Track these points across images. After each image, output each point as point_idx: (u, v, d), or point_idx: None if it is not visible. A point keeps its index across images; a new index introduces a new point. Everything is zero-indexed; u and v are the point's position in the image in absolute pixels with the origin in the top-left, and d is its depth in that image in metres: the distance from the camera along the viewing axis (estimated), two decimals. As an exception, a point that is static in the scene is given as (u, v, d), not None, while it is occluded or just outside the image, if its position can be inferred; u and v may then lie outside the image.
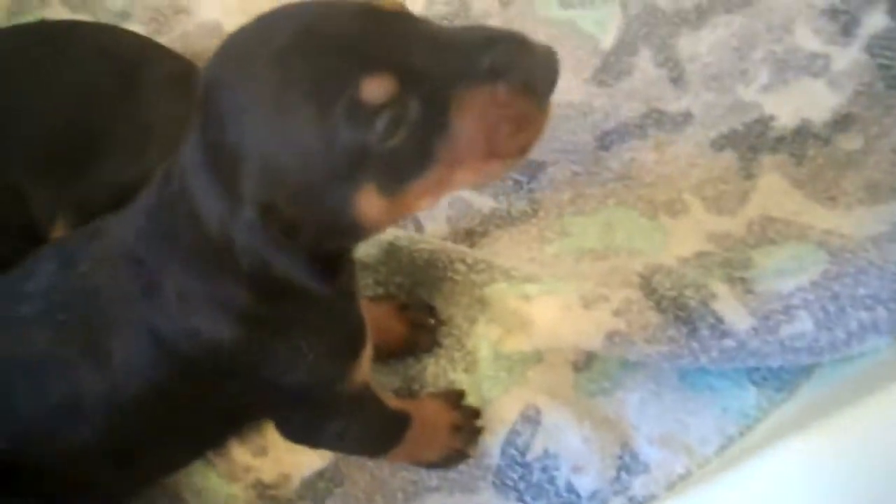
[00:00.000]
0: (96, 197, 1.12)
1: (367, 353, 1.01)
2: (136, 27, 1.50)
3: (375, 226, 0.81)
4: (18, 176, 1.18)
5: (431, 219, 1.36)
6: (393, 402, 1.15)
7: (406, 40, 0.74)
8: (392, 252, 1.30)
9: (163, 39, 1.46)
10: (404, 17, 0.77)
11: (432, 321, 1.28)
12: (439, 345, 1.28)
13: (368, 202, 0.77)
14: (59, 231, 1.18)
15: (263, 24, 0.78)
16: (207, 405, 1.00)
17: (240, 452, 1.24)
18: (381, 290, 1.32)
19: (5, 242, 1.19)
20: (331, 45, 0.73)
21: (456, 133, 0.76)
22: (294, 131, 0.73)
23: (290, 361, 0.92)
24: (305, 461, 1.22)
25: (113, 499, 1.13)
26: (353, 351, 0.99)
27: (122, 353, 0.91)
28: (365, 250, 1.32)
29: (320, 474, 1.22)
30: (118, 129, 1.15)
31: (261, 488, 1.22)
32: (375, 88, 0.72)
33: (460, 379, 1.25)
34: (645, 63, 1.45)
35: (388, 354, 1.28)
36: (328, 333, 0.94)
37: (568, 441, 1.17)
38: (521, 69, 0.76)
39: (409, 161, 0.76)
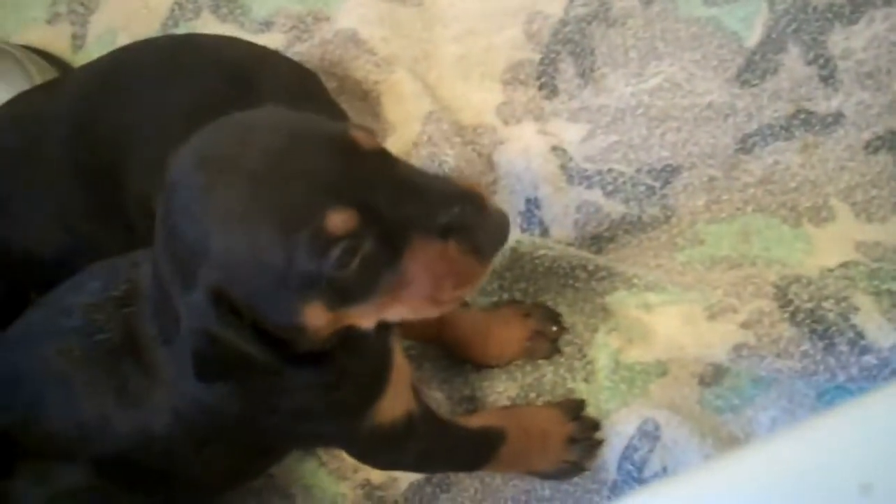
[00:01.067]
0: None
1: (392, 392, 0.99)
2: (277, 35, 1.54)
3: (317, 332, 0.83)
4: (145, 185, 1.23)
5: (557, 222, 1.32)
6: (481, 419, 1.13)
7: (374, 180, 0.79)
8: (515, 258, 1.28)
9: (302, 47, 1.49)
10: (378, 156, 0.81)
11: (554, 328, 1.25)
12: (560, 353, 1.24)
13: (313, 313, 0.80)
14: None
15: (241, 130, 0.82)
16: (235, 446, 1.02)
17: (351, 453, 1.24)
18: (505, 296, 1.29)
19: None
20: (303, 172, 0.77)
21: (403, 274, 0.81)
22: (256, 244, 0.77)
23: (292, 420, 0.94)
24: (415, 465, 1.21)
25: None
26: (367, 402, 0.98)
27: (148, 392, 0.95)
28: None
29: (428, 479, 1.21)
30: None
31: (369, 489, 1.22)
32: (338, 222, 0.76)
33: (579, 389, 1.21)
34: (793, 61, 1.36)
35: (508, 360, 1.26)
36: (323, 402, 0.94)
37: (688, 458, 1.12)
38: (473, 232, 0.80)
39: (356, 289, 0.80)
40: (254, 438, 1.00)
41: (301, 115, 0.84)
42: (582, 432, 1.17)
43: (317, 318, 0.81)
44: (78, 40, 1.61)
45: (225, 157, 0.80)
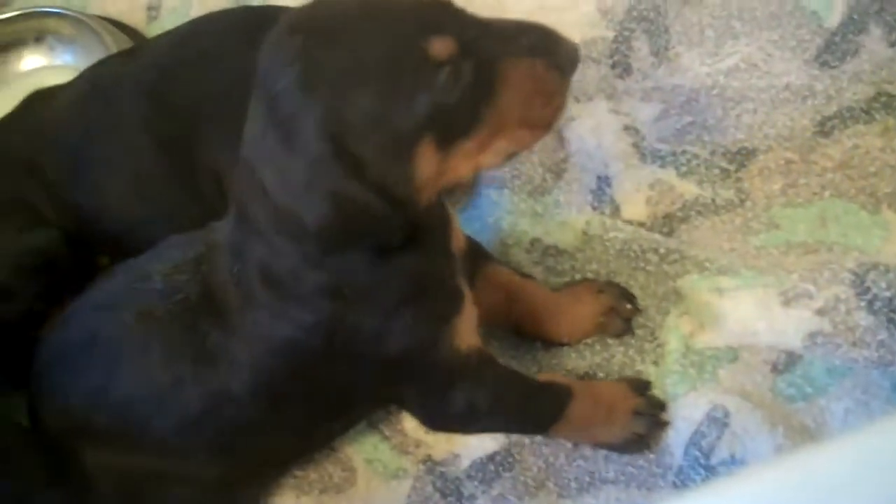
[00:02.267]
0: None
1: (466, 317, 1.02)
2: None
3: (425, 183, 0.87)
4: (217, 154, 1.24)
5: (629, 200, 1.31)
6: (552, 377, 1.14)
7: (461, 18, 0.87)
8: (586, 239, 1.27)
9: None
10: (452, 4, 0.89)
11: (629, 306, 1.24)
12: (632, 333, 1.23)
13: (425, 155, 0.86)
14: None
15: (323, 2, 0.88)
16: (312, 396, 1.03)
17: (413, 428, 1.24)
18: (577, 276, 1.28)
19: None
20: (399, 11, 0.85)
21: (500, 98, 0.88)
22: (367, 86, 0.82)
23: (379, 331, 0.95)
24: (477, 443, 1.21)
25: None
26: (446, 314, 1.00)
27: (226, 345, 0.98)
28: (560, 236, 1.29)
29: (491, 457, 1.20)
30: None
31: (430, 464, 1.22)
32: (440, 47, 0.83)
33: (648, 371, 1.20)
34: (874, 42, 1.33)
35: (581, 337, 1.25)
36: (417, 301, 0.96)
37: (758, 447, 1.10)
38: (552, 52, 0.89)
39: (460, 119, 0.87)
40: (333, 380, 1.01)
41: None
42: (648, 407, 1.16)
43: (426, 160, 0.85)
44: (152, 11, 1.63)
45: (316, 18, 0.86)
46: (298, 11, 0.87)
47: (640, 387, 1.18)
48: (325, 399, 1.06)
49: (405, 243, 0.90)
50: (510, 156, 0.93)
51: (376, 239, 0.89)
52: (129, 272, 1.08)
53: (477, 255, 1.18)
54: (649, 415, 1.15)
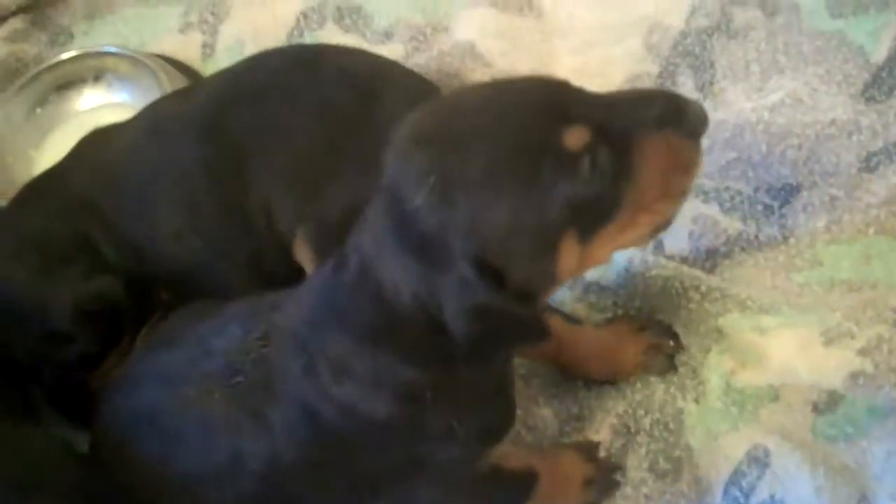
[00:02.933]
0: (333, 211, 1.19)
1: (511, 433, 1.03)
2: (396, 45, 1.57)
3: (566, 276, 0.88)
4: (268, 191, 1.27)
5: (672, 234, 1.30)
6: (518, 460, 1.12)
7: (583, 100, 0.86)
8: (629, 277, 1.27)
9: (420, 58, 1.52)
10: (570, 86, 0.88)
11: (671, 343, 1.24)
12: (675, 370, 1.23)
13: (568, 250, 0.85)
14: (299, 245, 1.25)
15: (445, 105, 0.88)
16: (347, 478, 1.03)
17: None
18: (620, 312, 1.29)
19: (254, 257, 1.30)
20: (524, 107, 0.83)
21: (639, 178, 0.86)
22: (507, 187, 0.81)
23: (442, 435, 0.95)
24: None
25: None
26: (501, 430, 1.01)
27: (282, 423, 0.98)
28: (603, 273, 1.30)
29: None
30: (356, 147, 1.21)
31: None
32: (575, 137, 0.81)
33: (689, 409, 1.19)
34: (922, 76, 1.32)
35: (625, 375, 1.25)
36: (481, 412, 0.97)
37: (798, 488, 1.09)
38: (680, 119, 0.87)
39: (602, 205, 0.85)
40: (381, 463, 1.00)
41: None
42: (599, 474, 1.17)
43: (569, 253, 0.85)
44: (207, 49, 1.68)
45: (441, 124, 0.85)
46: (422, 118, 0.87)
47: (590, 450, 1.19)
48: (351, 486, 1.05)
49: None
50: (654, 231, 0.93)
51: (522, 341, 0.91)
52: (190, 345, 1.09)
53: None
54: (601, 481, 1.17)
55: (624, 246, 0.92)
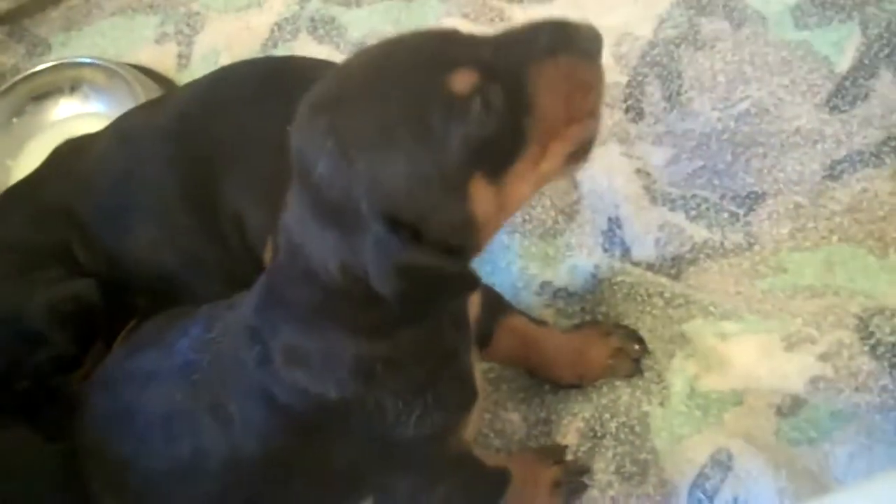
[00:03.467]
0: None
1: (478, 407, 1.03)
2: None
3: (487, 221, 0.85)
4: (239, 203, 1.28)
5: (639, 242, 1.33)
6: (491, 460, 1.14)
7: (469, 43, 0.85)
8: (596, 282, 1.29)
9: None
10: (458, 32, 0.87)
11: (637, 347, 1.26)
12: (641, 374, 1.25)
13: (480, 193, 0.83)
14: (268, 254, 1.26)
15: (340, 71, 0.87)
16: (321, 472, 1.03)
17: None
18: (587, 318, 1.30)
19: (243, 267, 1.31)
20: (410, 59, 0.83)
21: (538, 109, 0.84)
22: (401, 140, 0.80)
23: (400, 413, 0.94)
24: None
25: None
26: (464, 403, 1.01)
27: (241, 415, 0.98)
28: (571, 279, 1.31)
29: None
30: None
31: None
32: (461, 80, 0.80)
33: (654, 412, 1.21)
34: (885, 87, 1.34)
35: (592, 379, 1.26)
36: (438, 385, 0.96)
37: (760, 490, 1.11)
38: (570, 42, 0.85)
39: (505, 143, 0.83)
40: (340, 458, 1.01)
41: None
42: (566, 477, 1.19)
43: (482, 196, 0.83)
44: (183, 59, 1.69)
45: (334, 91, 0.84)
46: (317, 89, 0.87)
47: (556, 453, 1.21)
48: (330, 480, 1.06)
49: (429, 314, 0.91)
50: (570, 157, 0.89)
51: (452, 294, 0.90)
52: (158, 346, 1.10)
53: (495, 303, 1.20)
54: (568, 482, 1.18)
55: (544, 180, 0.89)
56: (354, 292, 0.85)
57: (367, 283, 0.82)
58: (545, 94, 0.84)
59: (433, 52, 0.83)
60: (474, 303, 1.05)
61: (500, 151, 0.83)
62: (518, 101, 0.83)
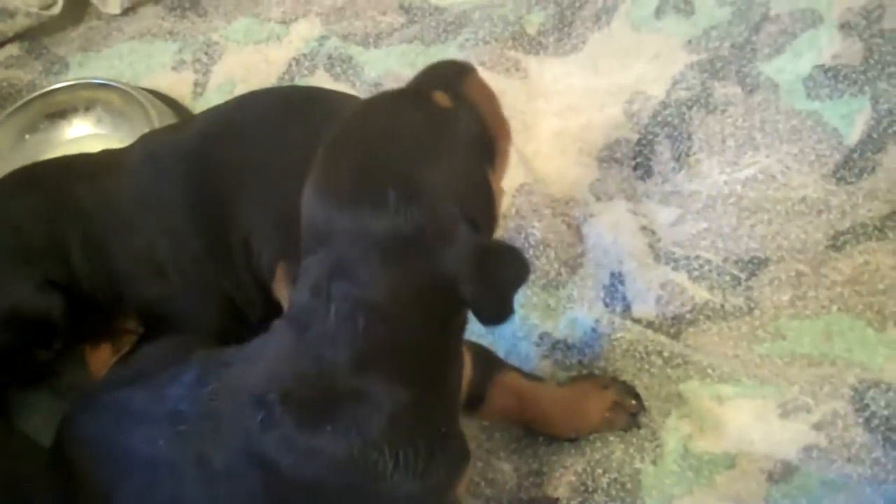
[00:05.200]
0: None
1: (469, 470, 1.04)
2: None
3: (499, 205, 1.01)
4: (251, 228, 1.28)
5: (640, 298, 1.34)
6: None
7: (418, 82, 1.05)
8: (596, 337, 1.30)
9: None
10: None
11: (633, 402, 1.26)
12: (636, 429, 1.25)
13: (493, 179, 0.99)
14: (279, 281, 1.26)
15: (333, 151, 0.97)
16: None
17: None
18: (585, 371, 1.31)
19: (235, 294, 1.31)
20: (387, 104, 1.01)
21: (481, 111, 1.01)
22: (441, 153, 0.93)
23: (416, 462, 0.95)
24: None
25: None
26: (463, 459, 1.01)
27: (228, 475, 0.98)
28: (570, 332, 1.32)
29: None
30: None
31: None
32: (440, 98, 0.97)
33: (646, 470, 1.20)
34: (892, 161, 1.37)
35: (588, 432, 1.26)
36: (447, 438, 0.98)
37: (749, 556, 1.11)
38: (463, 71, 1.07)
39: (485, 140, 1.00)
40: None
41: None
42: None
43: (494, 186, 0.99)
44: (199, 88, 1.70)
45: (353, 163, 0.93)
46: (329, 169, 0.96)
47: None
48: None
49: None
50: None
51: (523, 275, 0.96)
52: (149, 387, 1.09)
53: (488, 361, 1.21)
54: None
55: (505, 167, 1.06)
56: (428, 324, 0.92)
57: (447, 304, 0.91)
58: (480, 102, 1.02)
59: (404, 92, 1.03)
60: (466, 362, 1.07)
61: (486, 146, 1.00)
62: (473, 110, 1.00)
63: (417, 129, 0.93)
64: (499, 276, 0.90)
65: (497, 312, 0.93)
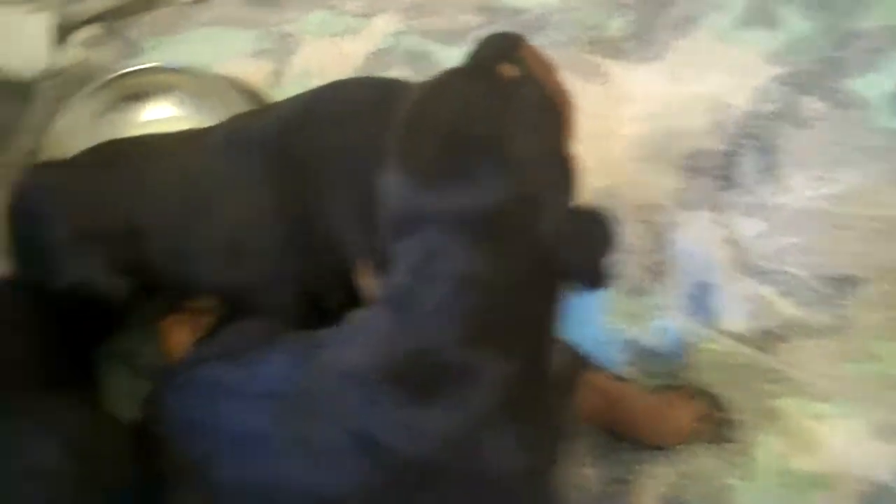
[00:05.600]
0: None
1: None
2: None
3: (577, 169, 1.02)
4: (333, 221, 1.27)
5: (727, 310, 1.33)
6: None
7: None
8: (683, 346, 1.29)
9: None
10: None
11: (722, 415, 1.25)
12: (725, 440, 1.24)
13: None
14: (364, 272, 1.25)
15: (419, 133, 0.99)
16: None
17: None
18: (670, 381, 1.30)
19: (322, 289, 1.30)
20: (459, 82, 1.02)
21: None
22: (523, 125, 0.95)
23: (520, 438, 0.94)
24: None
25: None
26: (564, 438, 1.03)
27: (327, 452, 0.97)
28: (657, 340, 1.31)
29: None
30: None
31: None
32: (507, 70, 0.99)
33: (736, 486, 1.20)
34: (983, 183, 1.36)
35: (676, 441, 1.25)
36: (552, 411, 0.99)
37: (844, 576, 1.10)
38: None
39: (555, 106, 1.03)
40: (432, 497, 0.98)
41: None
42: None
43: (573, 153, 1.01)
44: (275, 76, 1.69)
45: (443, 141, 0.95)
46: (424, 151, 0.96)
47: None
48: None
49: None
50: None
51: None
52: (239, 364, 1.08)
53: (577, 360, 1.20)
54: None
55: None
56: (518, 296, 0.93)
57: (538, 271, 0.93)
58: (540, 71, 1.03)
59: (474, 64, 1.03)
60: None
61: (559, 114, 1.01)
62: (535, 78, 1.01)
63: (492, 102, 0.95)
64: (593, 236, 0.95)
65: (595, 275, 0.95)
